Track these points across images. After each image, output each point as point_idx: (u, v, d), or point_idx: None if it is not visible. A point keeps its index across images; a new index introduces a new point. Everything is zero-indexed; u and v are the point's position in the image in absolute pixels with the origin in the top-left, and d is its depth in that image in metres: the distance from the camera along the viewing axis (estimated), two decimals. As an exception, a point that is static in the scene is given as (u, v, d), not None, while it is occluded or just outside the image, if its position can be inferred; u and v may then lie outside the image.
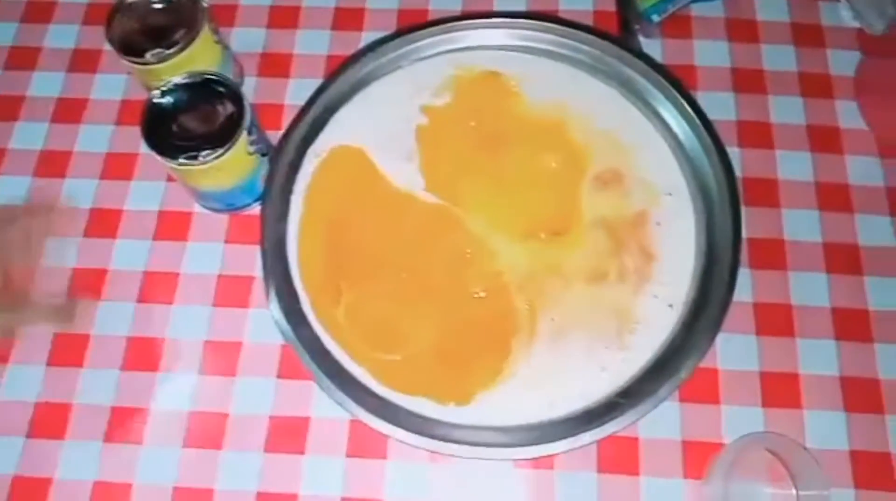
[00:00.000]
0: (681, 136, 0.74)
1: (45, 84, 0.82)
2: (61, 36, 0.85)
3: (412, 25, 0.79)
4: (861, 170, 0.75)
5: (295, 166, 0.74)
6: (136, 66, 0.69)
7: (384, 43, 0.78)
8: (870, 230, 0.73)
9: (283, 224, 0.71)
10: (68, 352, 0.70)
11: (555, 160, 0.74)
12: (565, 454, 0.64)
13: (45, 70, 0.83)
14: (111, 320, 0.72)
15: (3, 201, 0.76)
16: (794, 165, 0.76)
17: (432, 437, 0.64)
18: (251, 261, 0.71)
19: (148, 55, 0.67)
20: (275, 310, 0.67)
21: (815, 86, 0.79)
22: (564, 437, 0.63)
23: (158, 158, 0.64)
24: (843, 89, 0.79)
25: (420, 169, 0.74)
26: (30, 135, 0.80)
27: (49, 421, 0.68)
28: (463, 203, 0.72)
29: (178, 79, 0.67)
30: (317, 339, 0.67)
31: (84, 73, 0.83)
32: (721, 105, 0.78)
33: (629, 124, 0.75)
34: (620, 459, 0.66)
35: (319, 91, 0.76)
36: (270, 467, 0.66)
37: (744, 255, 0.70)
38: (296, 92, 0.80)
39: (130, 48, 0.68)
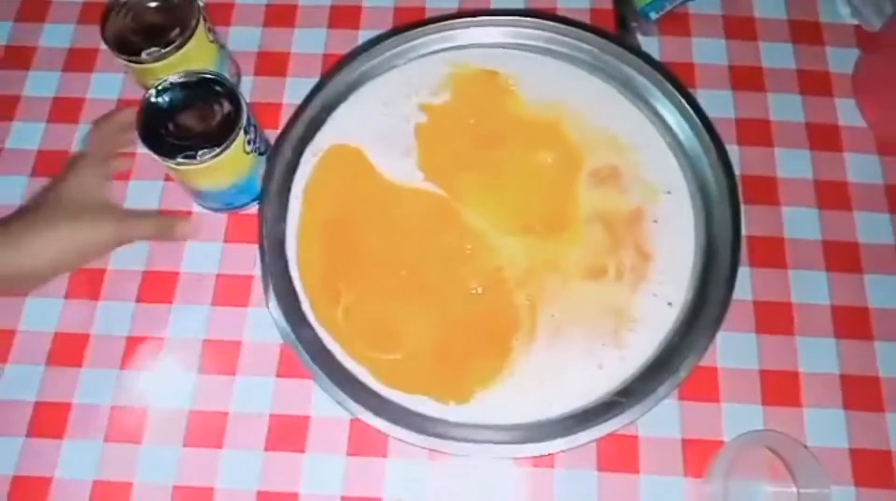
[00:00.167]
0: (679, 134, 0.74)
1: (41, 83, 0.82)
2: (56, 35, 0.84)
3: (408, 24, 0.79)
4: (860, 167, 0.75)
5: (293, 166, 0.73)
6: (131, 65, 0.68)
7: (380, 41, 0.78)
8: (869, 228, 0.73)
9: (282, 224, 0.71)
10: (67, 351, 0.70)
11: (552, 157, 0.74)
12: (565, 452, 0.63)
13: (40, 69, 0.83)
14: (110, 319, 0.72)
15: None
16: (793, 163, 0.76)
17: (432, 436, 0.64)
18: (250, 260, 0.71)
19: (143, 54, 0.67)
20: (274, 310, 0.67)
21: (814, 83, 0.79)
22: (564, 435, 0.63)
23: (156, 157, 0.64)
24: (841, 87, 0.79)
25: (418, 165, 0.74)
26: (26, 135, 0.79)
27: (48, 420, 0.68)
28: (461, 198, 0.72)
29: (174, 78, 0.67)
30: (316, 338, 0.67)
31: (80, 72, 0.82)
32: (719, 103, 0.78)
33: (627, 122, 0.75)
34: (620, 457, 0.66)
35: (316, 90, 0.76)
36: (270, 466, 0.66)
37: (743, 253, 0.70)
38: (293, 91, 0.79)
39: (125, 47, 0.68)
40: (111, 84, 0.82)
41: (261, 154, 0.71)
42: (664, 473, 0.65)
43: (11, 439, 0.67)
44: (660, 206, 0.71)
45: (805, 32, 0.82)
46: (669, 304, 0.68)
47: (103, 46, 0.69)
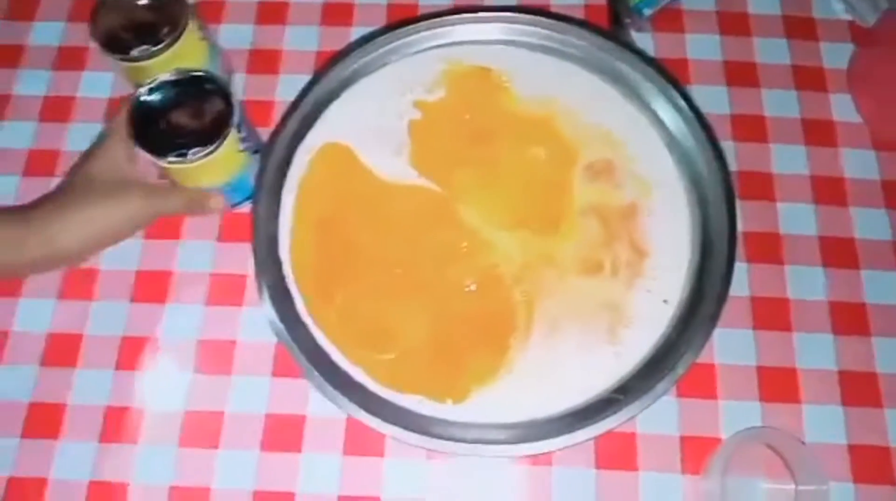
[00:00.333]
0: (673, 130, 0.74)
1: (31, 82, 0.81)
2: (46, 33, 0.84)
3: (401, 20, 0.78)
4: (856, 163, 0.75)
5: (285, 164, 0.73)
6: (121, 63, 0.67)
7: (373, 38, 0.77)
8: (866, 223, 0.73)
9: (275, 223, 0.71)
10: (61, 352, 0.70)
11: (546, 152, 0.74)
12: (563, 450, 0.63)
13: (30, 68, 0.82)
14: (104, 319, 0.71)
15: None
16: (788, 159, 0.75)
17: (429, 435, 0.63)
18: (244, 259, 0.71)
19: (133, 52, 0.66)
20: (268, 309, 0.67)
21: (809, 79, 0.79)
22: (562, 433, 0.63)
23: (148, 156, 0.63)
24: (836, 82, 0.79)
25: (411, 163, 0.73)
26: (17, 134, 0.79)
27: (44, 421, 0.68)
28: (456, 195, 0.72)
29: (164, 76, 0.66)
30: (311, 338, 0.67)
31: (70, 70, 0.82)
32: (714, 99, 0.78)
33: (621, 118, 0.75)
34: (618, 455, 0.66)
35: (308, 87, 0.75)
36: (267, 465, 0.66)
37: (739, 249, 0.70)
38: (285, 88, 0.79)
39: (115, 45, 0.67)
40: (102, 83, 0.81)
41: (254, 152, 0.70)
42: (662, 470, 0.65)
43: (6, 440, 0.67)
44: (654, 201, 0.71)
45: (799, 28, 0.82)
46: (665, 301, 0.68)
47: (94, 45, 0.69)
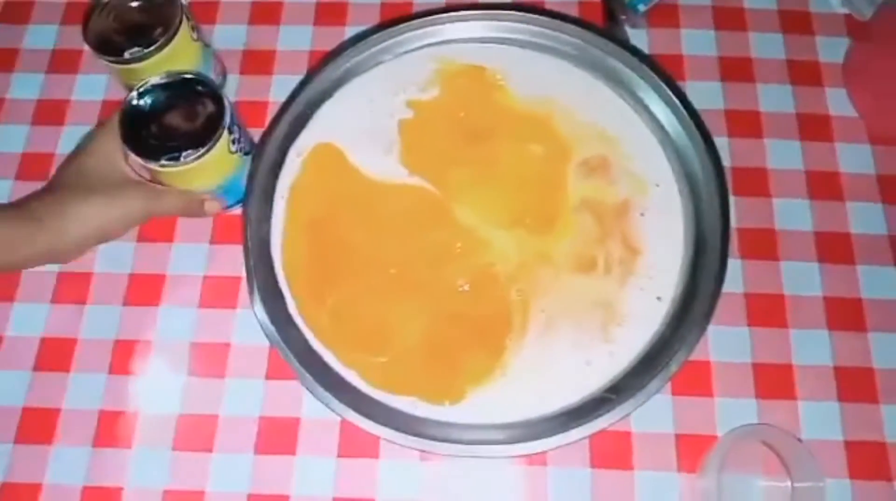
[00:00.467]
0: (668, 127, 0.73)
1: (25, 86, 0.81)
2: (40, 36, 0.84)
3: (394, 19, 0.78)
4: (852, 157, 0.75)
5: (277, 165, 0.73)
6: (113, 65, 0.67)
7: (365, 37, 0.77)
8: (861, 218, 0.73)
9: (267, 225, 0.71)
10: (55, 356, 0.70)
11: (541, 149, 0.73)
12: (558, 449, 0.63)
13: (24, 72, 0.82)
14: (97, 323, 0.71)
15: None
16: (783, 154, 0.75)
17: (423, 436, 0.63)
18: (237, 261, 0.70)
19: (125, 54, 0.66)
20: (259, 312, 0.67)
21: (804, 73, 0.79)
22: (556, 433, 0.63)
23: (139, 160, 0.63)
24: (832, 76, 0.79)
25: (402, 161, 0.73)
26: (11, 137, 0.79)
27: (37, 426, 0.68)
28: (450, 193, 0.72)
29: (155, 79, 0.66)
30: (303, 340, 0.67)
31: (64, 73, 0.82)
32: (709, 95, 0.77)
33: (615, 116, 0.74)
34: (614, 454, 0.65)
35: (300, 88, 0.75)
36: (261, 468, 0.66)
37: (735, 245, 0.70)
38: (279, 89, 0.79)
39: (108, 48, 0.67)
40: (96, 85, 0.81)
41: (246, 154, 0.70)
42: (658, 469, 0.65)
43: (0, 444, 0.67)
44: (647, 198, 0.71)
45: (795, 22, 0.81)
46: (658, 298, 0.67)
47: (87, 48, 0.69)
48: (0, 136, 0.79)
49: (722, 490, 0.61)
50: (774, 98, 0.78)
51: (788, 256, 0.71)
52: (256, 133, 0.74)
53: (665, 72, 0.74)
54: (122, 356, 0.70)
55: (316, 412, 0.66)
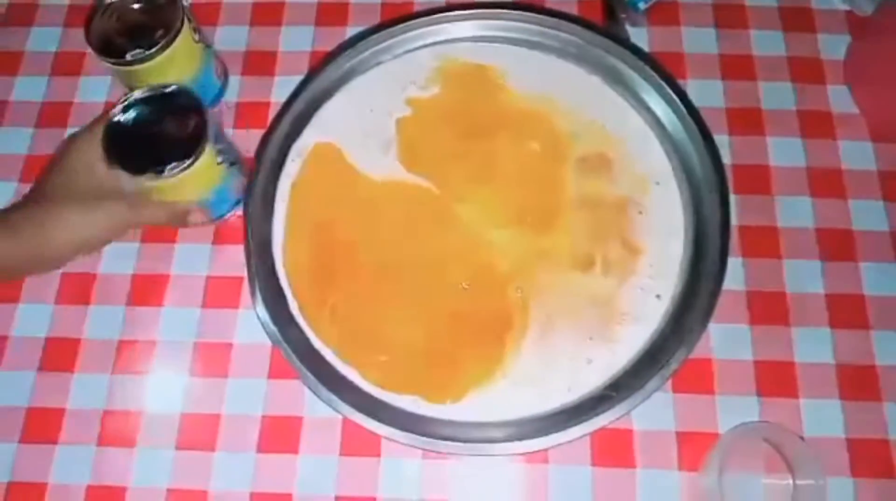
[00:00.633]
0: (668, 125, 0.73)
1: (29, 88, 0.82)
2: (43, 39, 0.84)
3: (394, 18, 0.78)
4: (853, 154, 0.75)
5: (278, 166, 0.73)
6: (115, 67, 0.68)
7: (366, 37, 0.77)
8: (864, 215, 0.72)
9: (268, 225, 0.71)
10: (59, 356, 0.70)
11: (540, 146, 0.74)
12: (559, 447, 0.63)
13: (28, 75, 0.82)
14: (101, 323, 0.71)
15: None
16: (785, 152, 0.75)
17: (425, 435, 0.63)
18: (239, 262, 0.71)
19: (127, 56, 0.67)
20: (261, 312, 0.67)
21: (805, 71, 0.79)
22: (557, 431, 0.63)
23: (124, 175, 0.63)
24: (833, 73, 0.78)
25: (400, 160, 0.73)
26: (15, 140, 0.79)
27: (41, 426, 0.68)
28: (450, 192, 0.72)
29: (137, 94, 0.65)
30: (305, 340, 0.67)
31: (68, 76, 0.82)
32: (710, 92, 0.77)
33: (616, 114, 0.74)
34: (615, 452, 0.65)
35: (301, 87, 0.75)
36: (264, 467, 0.66)
37: (736, 244, 0.69)
38: (280, 89, 0.79)
39: (111, 49, 0.67)
40: (99, 87, 0.81)
41: (232, 164, 0.69)
42: (659, 467, 0.65)
43: (5, 445, 0.68)
44: (647, 196, 0.71)
45: (796, 19, 0.81)
46: (658, 296, 0.67)
47: (90, 50, 0.69)
48: (4, 138, 0.79)
49: (723, 487, 0.61)
50: (775, 95, 0.77)
51: (790, 253, 0.71)
52: (258, 134, 0.74)
53: (665, 70, 0.74)
54: (126, 356, 0.70)
55: (318, 411, 0.66)
